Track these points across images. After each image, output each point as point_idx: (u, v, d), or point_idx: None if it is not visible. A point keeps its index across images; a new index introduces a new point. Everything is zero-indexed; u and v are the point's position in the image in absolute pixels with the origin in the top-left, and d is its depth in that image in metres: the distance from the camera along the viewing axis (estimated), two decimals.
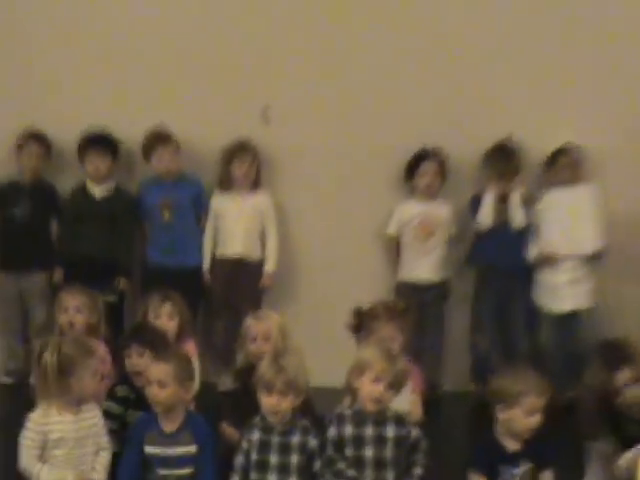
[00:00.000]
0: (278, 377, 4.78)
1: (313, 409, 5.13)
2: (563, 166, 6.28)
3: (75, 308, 5.60)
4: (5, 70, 6.59)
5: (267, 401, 4.76)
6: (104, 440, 4.97)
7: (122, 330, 5.91)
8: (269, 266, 6.47)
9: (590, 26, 6.43)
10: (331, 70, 6.46)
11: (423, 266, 6.32)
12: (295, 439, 4.82)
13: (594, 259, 6.20)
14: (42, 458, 4.82)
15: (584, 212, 6.20)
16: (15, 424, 4.97)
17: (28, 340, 6.39)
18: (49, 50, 6.58)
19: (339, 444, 4.79)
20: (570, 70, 6.41)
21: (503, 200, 6.23)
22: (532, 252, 6.26)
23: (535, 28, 6.41)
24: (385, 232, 6.41)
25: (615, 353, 5.18)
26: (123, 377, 5.46)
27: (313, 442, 4.80)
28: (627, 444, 4.71)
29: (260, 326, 5.43)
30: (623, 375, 4.97)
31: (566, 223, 6.20)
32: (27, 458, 4.86)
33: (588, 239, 6.17)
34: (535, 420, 4.64)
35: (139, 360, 5.26)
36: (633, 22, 6.38)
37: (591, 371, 5.24)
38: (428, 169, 6.22)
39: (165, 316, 5.57)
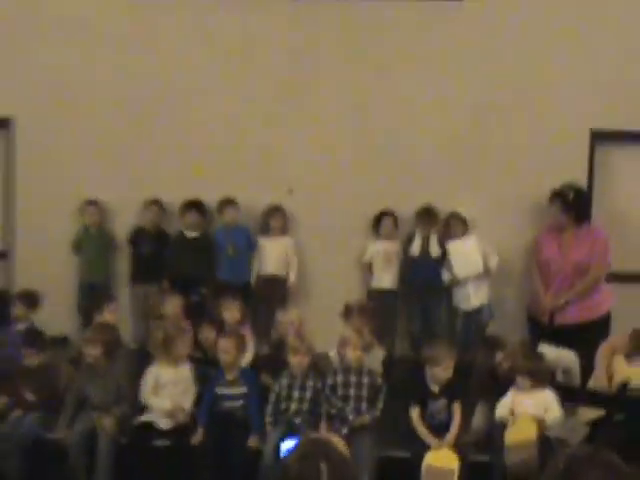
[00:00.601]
0: (301, 346, 6.68)
1: (318, 365, 6.99)
2: (455, 225, 8.13)
3: (174, 306, 7.56)
4: (130, 152, 8.41)
5: (294, 360, 6.66)
6: (191, 385, 6.79)
7: (203, 319, 7.54)
8: (291, 280, 8.28)
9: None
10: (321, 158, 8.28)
11: (385, 280, 8.21)
12: (309, 384, 6.67)
13: (485, 277, 8.04)
14: (154, 393, 6.77)
15: (473, 251, 8.04)
16: (139, 373, 6.96)
17: (148, 323, 7.87)
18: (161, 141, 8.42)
19: (333, 387, 6.62)
20: (481, 156, 8.21)
21: (426, 240, 8.08)
22: (445, 276, 8.10)
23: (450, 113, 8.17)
24: (362, 260, 8.31)
25: (493, 343, 7.00)
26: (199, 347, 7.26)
27: (318, 386, 6.64)
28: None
29: (286, 316, 7.41)
30: (498, 356, 6.78)
31: (463, 259, 8.05)
32: (145, 393, 6.76)
33: (477, 267, 8.02)
34: (449, 372, 6.48)
35: (209, 333, 7.24)
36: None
37: (479, 355, 7.06)
38: (387, 222, 8.19)
39: (234, 309, 7.41)
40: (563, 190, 7.63)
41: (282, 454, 3.22)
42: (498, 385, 6.71)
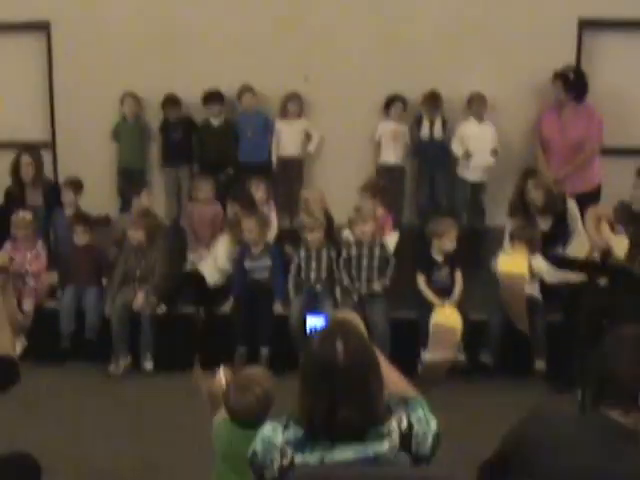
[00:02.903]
0: (315, 222, 7.11)
1: (334, 234, 7.45)
2: (474, 106, 8.47)
3: (206, 189, 8.05)
4: (153, 54, 8.81)
5: (310, 236, 7.08)
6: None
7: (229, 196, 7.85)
8: (311, 150, 8.75)
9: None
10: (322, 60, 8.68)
11: (391, 156, 8.69)
12: (324, 254, 7.12)
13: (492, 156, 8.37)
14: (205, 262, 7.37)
15: (487, 137, 8.43)
16: (173, 248, 7.66)
17: (180, 201, 8.84)
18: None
19: (348, 260, 7.03)
20: (480, 41, 8.50)
21: (432, 123, 8.60)
22: (458, 151, 8.44)
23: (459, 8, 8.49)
24: (373, 138, 8.72)
25: (528, 172, 7.45)
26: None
27: (332, 255, 7.07)
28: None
29: (310, 194, 7.85)
30: (530, 182, 7.25)
31: (479, 147, 8.41)
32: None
33: (488, 160, 8.44)
34: (452, 243, 6.91)
35: (235, 208, 7.53)
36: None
37: (516, 182, 7.47)
38: (397, 104, 8.59)
39: (260, 190, 7.84)
40: (564, 71, 8.07)
41: (308, 329, 3.49)
42: (524, 207, 7.29)
